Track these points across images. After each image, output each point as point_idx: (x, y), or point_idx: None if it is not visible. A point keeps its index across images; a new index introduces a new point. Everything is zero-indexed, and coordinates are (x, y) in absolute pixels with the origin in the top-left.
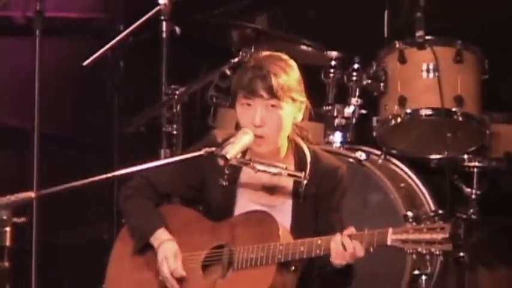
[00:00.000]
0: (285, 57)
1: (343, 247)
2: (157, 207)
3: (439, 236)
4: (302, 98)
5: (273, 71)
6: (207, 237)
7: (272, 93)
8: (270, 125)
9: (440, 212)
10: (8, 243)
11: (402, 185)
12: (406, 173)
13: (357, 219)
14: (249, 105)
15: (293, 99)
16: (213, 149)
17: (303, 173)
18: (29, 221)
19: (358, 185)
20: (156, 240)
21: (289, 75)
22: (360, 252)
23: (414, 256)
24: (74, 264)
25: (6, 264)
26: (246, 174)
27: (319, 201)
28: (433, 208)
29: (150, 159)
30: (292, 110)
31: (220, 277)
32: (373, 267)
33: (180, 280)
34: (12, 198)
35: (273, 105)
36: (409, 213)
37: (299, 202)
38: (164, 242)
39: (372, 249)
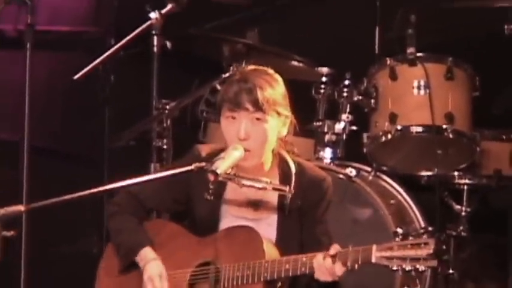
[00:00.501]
0: (271, 71)
1: (324, 265)
2: (142, 224)
3: (423, 252)
4: (287, 112)
5: (259, 84)
6: (192, 253)
7: (257, 106)
8: (255, 138)
9: (430, 228)
10: None
11: (392, 201)
12: (396, 189)
13: (347, 235)
14: (233, 118)
15: (278, 113)
16: (203, 164)
17: (288, 187)
18: (19, 234)
19: (348, 201)
20: (142, 260)
21: (274, 89)
22: (340, 271)
23: (400, 273)
24: (63, 278)
25: None
26: (231, 189)
27: (305, 214)
28: (423, 225)
29: (140, 174)
30: (277, 124)
31: None
32: (363, 283)
33: None
34: (1, 211)
35: (258, 119)
36: (399, 230)
37: (284, 215)
38: (149, 262)
39: (356, 266)
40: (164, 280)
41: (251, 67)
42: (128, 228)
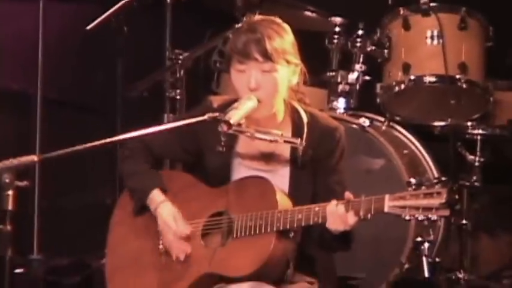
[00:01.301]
0: (278, 20)
1: (337, 214)
2: (153, 169)
3: (436, 202)
4: (297, 60)
5: (267, 34)
6: (205, 203)
7: (266, 56)
8: (266, 88)
9: (443, 178)
10: (10, 206)
11: (405, 151)
12: (409, 139)
13: (360, 186)
14: (243, 69)
15: (287, 62)
16: (216, 114)
17: (299, 139)
18: (32, 184)
19: (362, 151)
20: (152, 203)
21: (283, 38)
22: (353, 220)
23: (412, 222)
24: (76, 228)
25: (9, 227)
26: (242, 141)
27: (317, 164)
28: (436, 175)
29: (153, 124)
30: (287, 73)
31: (220, 245)
32: (376, 234)
33: (186, 239)
34: (14, 161)
35: (267, 69)
36: (412, 180)
37: (297, 168)
38: (159, 205)
39: (369, 216)
40: (178, 219)
41: (258, 17)
42: (140, 172)
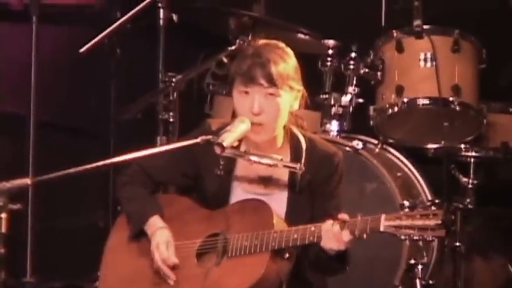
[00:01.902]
0: (282, 45)
1: (332, 233)
2: (153, 195)
3: (431, 222)
4: (299, 86)
5: (273, 59)
6: (202, 225)
7: (271, 82)
8: (268, 112)
9: (436, 201)
10: (3, 229)
11: (399, 174)
12: (402, 162)
13: (354, 208)
14: (246, 93)
15: (291, 88)
16: (210, 136)
17: (298, 164)
18: (25, 207)
19: (355, 174)
20: (150, 228)
21: (287, 64)
22: (347, 238)
23: (407, 242)
24: (69, 251)
25: (2, 250)
26: (241, 165)
27: (315, 189)
28: (429, 197)
29: (146, 147)
30: (290, 99)
31: (214, 265)
32: (370, 256)
33: (173, 268)
34: (7, 184)
35: (271, 94)
36: (406, 203)
37: (294, 192)
38: (157, 230)
39: (365, 236)
40: (171, 247)
41: (263, 41)
42: (139, 198)
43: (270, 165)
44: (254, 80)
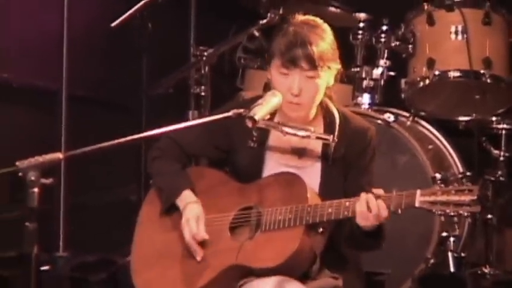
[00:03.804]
0: (320, 22)
1: (367, 207)
2: (184, 169)
3: (467, 198)
4: (338, 65)
5: (313, 40)
6: (235, 199)
7: (312, 64)
8: (307, 93)
9: (468, 173)
10: (36, 204)
11: (430, 146)
12: (434, 134)
13: (385, 181)
14: (286, 74)
15: (329, 68)
16: (241, 110)
17: (331, 136)
18: (57, 182)
19: (387, 146)
20: (182, 202)
21: (327, 43)
22: (384, 213)
23: (442, 218)
24: (101, 226)
25: (35, 225)
26: (274, 137)
27: (349, 164)
28: (461, 170)
29: (178, 121)
30: (328, 78)
31: (247, 238)
32: (402, 229)
33: (206, 242)
34: (40, 159)
35: (311, 76)
36: (437, 175)
37: (328, 164)
38: (188, 204)
39: (399, 211)
40: (201, 222)
41: (301, 18)
42: (170, 172)
43: (302, 137)
44: (295, 62)
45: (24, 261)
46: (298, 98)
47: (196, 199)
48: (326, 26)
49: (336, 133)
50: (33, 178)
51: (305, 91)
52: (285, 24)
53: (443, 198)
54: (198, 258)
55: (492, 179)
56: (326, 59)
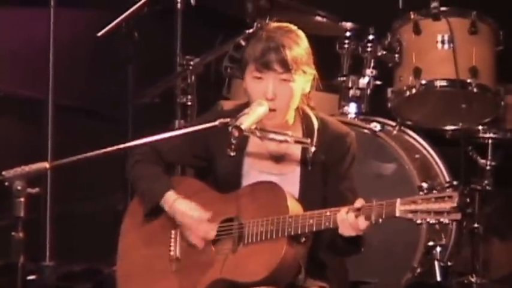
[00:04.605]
0: (294, 27)
1: (348, 222)
2: (165, 172)
3: (447, 206)
4: (312, 70)
5: (287, 44)
6: (215, 209)
7: (286, 67)
8: (282, 98)
9: (454, 182)
10: (22, 213)
11: (417, 156)
12: (420, 144)
13: (372, 190)
14: (260, 78)
15: (304, 72)
16: (227, 120)
17: (309, 140)
18: (43, 191)
19: (373, 156)
20: (167, 202)
21: (300, 47)
22: (362, 226)
23: (424, 226)
24: (88, 235)
25: (21, 234)
26: (253, 144)
27: (328, 169)
28: (447, 179)
29: (164, 130)
30: (303, 82)
31: (231, 251)
32: (388, 238)
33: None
34: (26, 169)
35: (284, 79)
36: (424, 184)
37: (307, 170)
38: (175, 201)
39: (380, 221)
40: (199, 209)
41: (275, 24)
42: (152, 175)
43: (281, 141)
44: (268, 65)
45: (11, 270)
46: (273, 103)
47: (179, 196)
48: (300, 32)
49: (315, 139)
50: (19, 188)
51: (280, 95)
52: (259, 31)
53: (423, 206)
54: (211, 237)
55: (479, 188)
56: (300, 63)
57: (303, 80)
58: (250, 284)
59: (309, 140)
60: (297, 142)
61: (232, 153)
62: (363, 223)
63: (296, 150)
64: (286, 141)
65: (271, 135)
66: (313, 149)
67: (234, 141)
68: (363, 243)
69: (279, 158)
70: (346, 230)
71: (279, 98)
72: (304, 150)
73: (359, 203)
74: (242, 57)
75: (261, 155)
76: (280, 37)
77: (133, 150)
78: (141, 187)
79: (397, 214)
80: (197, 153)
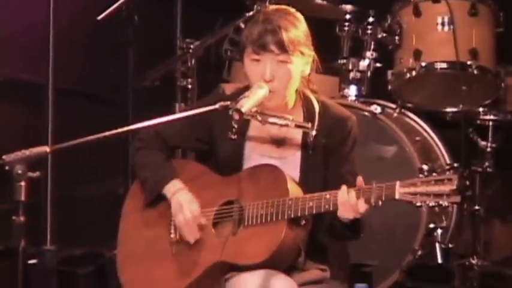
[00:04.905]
0: (292, 10)
1: (348, 204)
2: (168, 159)
3: (446, 188)
4: (310, 51)
5: (283, 26)
6: (216, 192)
7: (282, 48)
8: (280, 79)
9: (455, 165)
10: (23, 197)
11: (417, 138)
12: (421, 126)
13: (372, 173)
14: (258, 60)
15: (302, 53)
16: (228, 103)
17: (310, 124)
18: (44, 175)
19: (373, 138)
20: (169, 190)
21: (298, 29)
22: (362, 209)
23: (424, 209)
24: (89, 219)
25: (22, 218)
26: (254, 127)
27: (329, 153)
28: (448, 161)
29: (165, 113)
30: (301, 64)
31: (231, 234)
32: (389, 221)
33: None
34: (27, 152)
35: (282, 61)
36: (424, 167)
37: (308, 154)
38: (178, 192)
39: (380, 203)
40: (196, 207)
41: (273, 7)
42: (155, 162)
43: (281, 125)
44: (265, 47)
45: (12, 254)
46: (271, 84)
47: (184, 186)
48: (299, 15)
49: (316, 122)
50: (20, 172)
51: (278, 76)
52: (257, 14)
53: (423, 189)
54: (192, 241)
55: (479, 170)
56: (297, 44)
57: (302, 62)
58: (250, 267)
59: (309, 125)
60: (297, 126)
61: (233, 137)
62: (362, 206)
63: (297, 134)
64: (287, 125)
65: (272, 119)
66: (313, 132)
67: (235, 125)
68: (362, 228)
69: (279, 142)
70: (345, 213)
71: (277, 80)
72: (305, 134)
73: (359, 182)
74: (241, 40)
75: (262, 138)
76: (278, 19)
77: (137, 135)
78: (144, 175)
79: (397, 196)
80: (200, 136)
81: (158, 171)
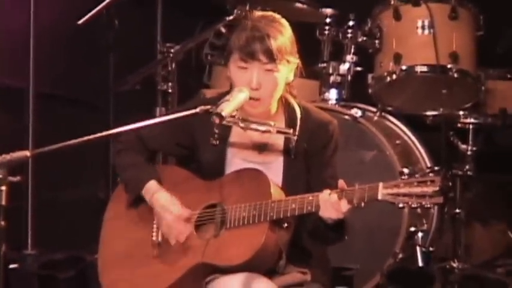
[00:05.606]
0: (278, 16)
1: (330, 203)
2: (148, 161)
3: (429, 189)
4: (296, 59)
5: (272, 34)
6: (199, 196)
7: (271, 58)
8: (266, 87)
9: (436, 168)
10: (3, 202)
11: (398, 141)
12: (401, 129)
13: (353, 176)
14: (245, 68)
15: (288, 62)
16: (208, 107)
17: (292, 129)
18: (25, 179)
19: (354, 142)
20: (148, 193)
21: (284, 36)
22: (344, 209)
23: (406, 210)
24: (70, 223)
25: (3, 223)
26: (236, 133)
27: (311, 157)
28: (428, 164)
29: (145, 117)
30: (286, 72)
31: (213, 236)
32: (370, 225)
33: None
34: (7, 157)
35: (269, 69)
36: (405, 170)
37: (290, 159)
38: (155, 193)
39: (363, 205)
40: (177, 205)
41: (259, 13)
42: (135, 164)
43: (263, 131)
44: (253, 55)
45: None
46: (257, 92)
47: (161, 188)
48: (284, 21)
49: (298, 127)
50: (0, 176)
51: (264, 85)
52: (244, 20)
53: (406, 190)
54: (182, 240)
55: (460, 173)
56: (284, 52)
57: (287, 70)
58: (231, 268)
59: (291, 130)
60: (279, 132)
61: (215, 142)
62: (345, 205)
63: (279, 140)
64: (269, 131)
65: (254, 125)
66: (295, 138)
67: (216, 130)
68: (346, 230)
69: (262, 148)
70: (327, 212)
71: (264, 88)
72: (287, 140)
73: (341, 184)
74: (226, 46)
75: (244, 144)
76: (265, 26)
77: (118, 138)
78: (124, 176)
79: (379, 197)
80: (180, 141)
81: (137, 173)
